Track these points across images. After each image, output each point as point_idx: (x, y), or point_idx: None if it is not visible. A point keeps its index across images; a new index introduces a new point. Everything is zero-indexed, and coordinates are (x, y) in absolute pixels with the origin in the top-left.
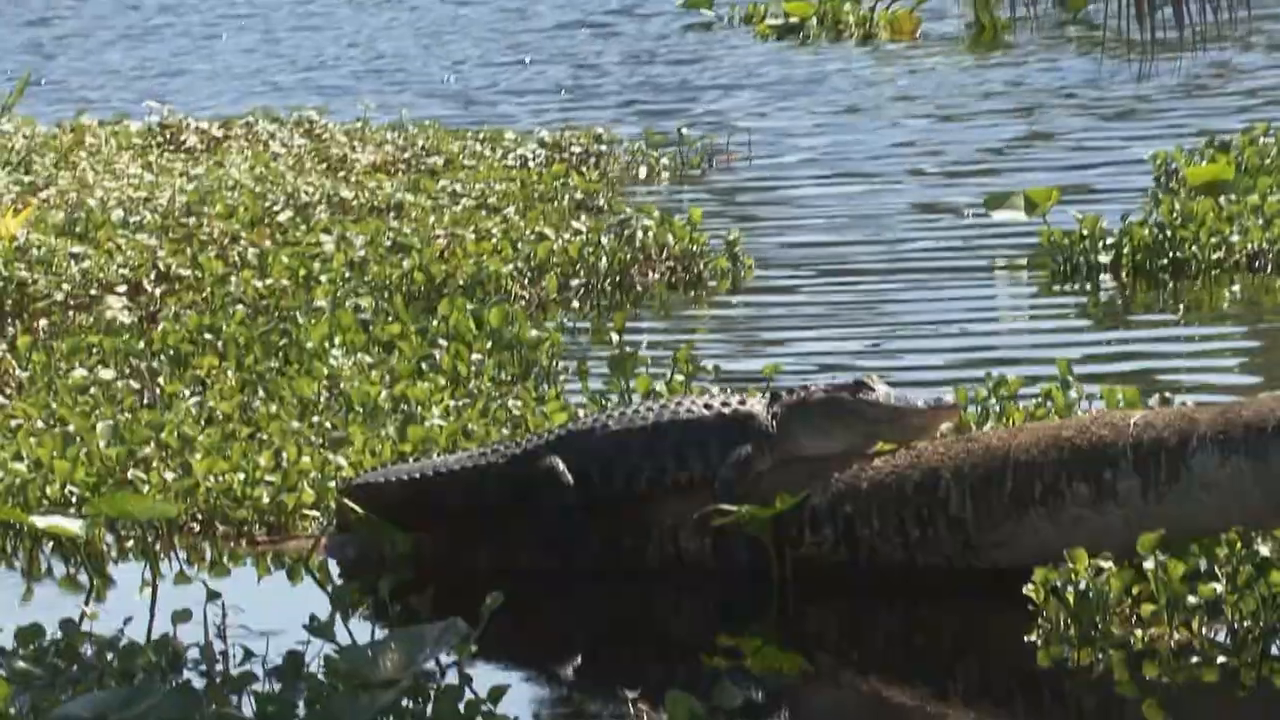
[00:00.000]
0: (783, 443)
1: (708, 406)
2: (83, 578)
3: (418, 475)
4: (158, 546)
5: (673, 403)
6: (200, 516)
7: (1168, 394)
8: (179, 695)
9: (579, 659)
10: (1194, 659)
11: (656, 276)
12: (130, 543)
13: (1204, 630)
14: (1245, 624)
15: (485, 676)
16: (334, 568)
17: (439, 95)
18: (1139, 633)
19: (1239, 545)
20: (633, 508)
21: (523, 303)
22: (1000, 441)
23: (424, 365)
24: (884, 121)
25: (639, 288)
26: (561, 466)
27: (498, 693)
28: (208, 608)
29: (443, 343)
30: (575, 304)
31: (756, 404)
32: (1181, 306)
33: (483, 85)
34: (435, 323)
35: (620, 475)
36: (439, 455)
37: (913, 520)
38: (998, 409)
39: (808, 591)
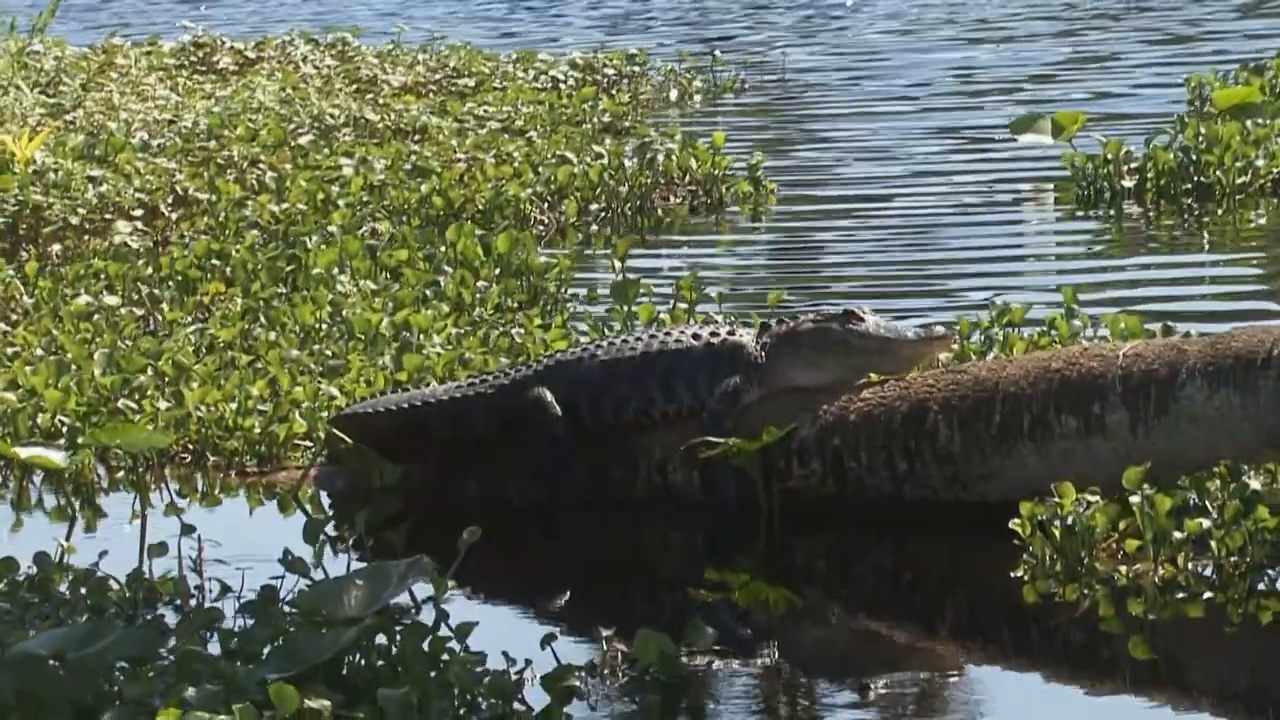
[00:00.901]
0: (771, 374)
1: (695, 337)
2: (76, 508)
3: (405, 405)
4: (148, 477)
5: (661, 333)
6: (191, 447)
7: (1169, 324)
8: (139, 633)
9: (564, 593)
10: (1180, 594)
11: (678, 201)
12: (121, 474)
13: (1190, 565)
14: (1232, 559)
15: (466, 610)
16: (325, 499)
17: (489, 18)
18: (1124, 568)
19: (1228, 480)
20: (621, 439)
21: (541, 227)
22: (989, 373)
23: (428, 293)
24: (930, 44)
25: (660, 212)
26: (549, 397)
27: (465, 629)
28: (185, 541)
29: (448, 269)
30: (594, 228)
31: (745, 335)
32: (1205, 233)
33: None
34: (443, 249)
35: (608, 406)
36: (430, 385)
37: (900, 453)
38: (1001, 338)
39: (795, 524)
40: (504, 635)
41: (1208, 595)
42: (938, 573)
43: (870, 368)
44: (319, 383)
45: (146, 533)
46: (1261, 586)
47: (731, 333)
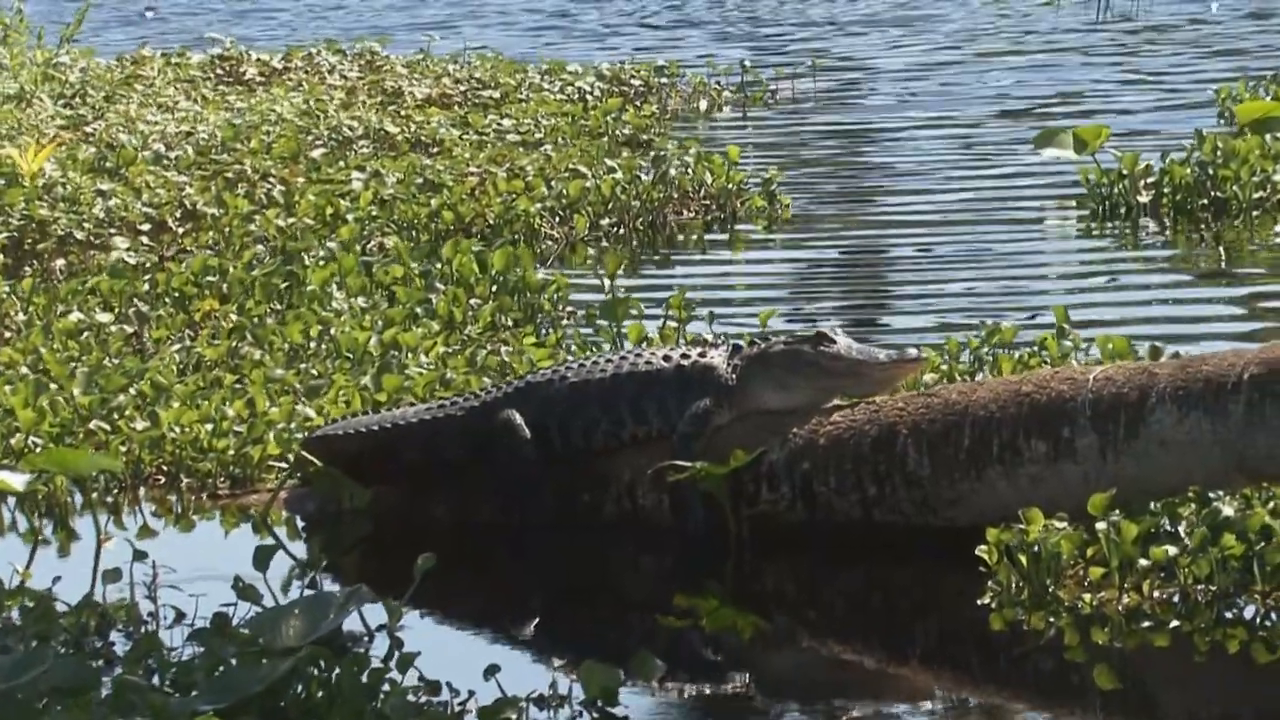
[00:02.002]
0: (743, 397)
1: (666, 358)
2: (48, 531)
3: (375, 428)
4: (122, 499)
5: (632, 354)
6: (165, 468)
7: (1158, 345)
8: (73, 662)
9: (529, 618)
10: (1146, 623)
11: (691, 216)
12: (94, 495)
13: (1156, 593)
14: (1198, 587)
15: (426, 637)
16: (297, 522)
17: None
18: (1087, 597)
19: (1197, 506)
20: (590, 462)
21: (550, 243)
22: (959, 396)
23: (419, 310)
24: (977, 61)
25: (673, 227)
26: (518, 420)
27: (406, 660)
28: (141, 566)
29: (440, 286)
30: (605, 244)
31: (717, 356)
32: (1220, 249)
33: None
34: (439, 266)
35: (577, 429)
36: (401, 407)
37: (870, 477)
38: (991, 358)
39: (765, 548)
40: (463, 662)
41: (1174, 624)
42: (906, 599)
43: (842, 390)
44: (299, 403)
45: (101, 558)
46: (1229, 615)
47: (703, 354)
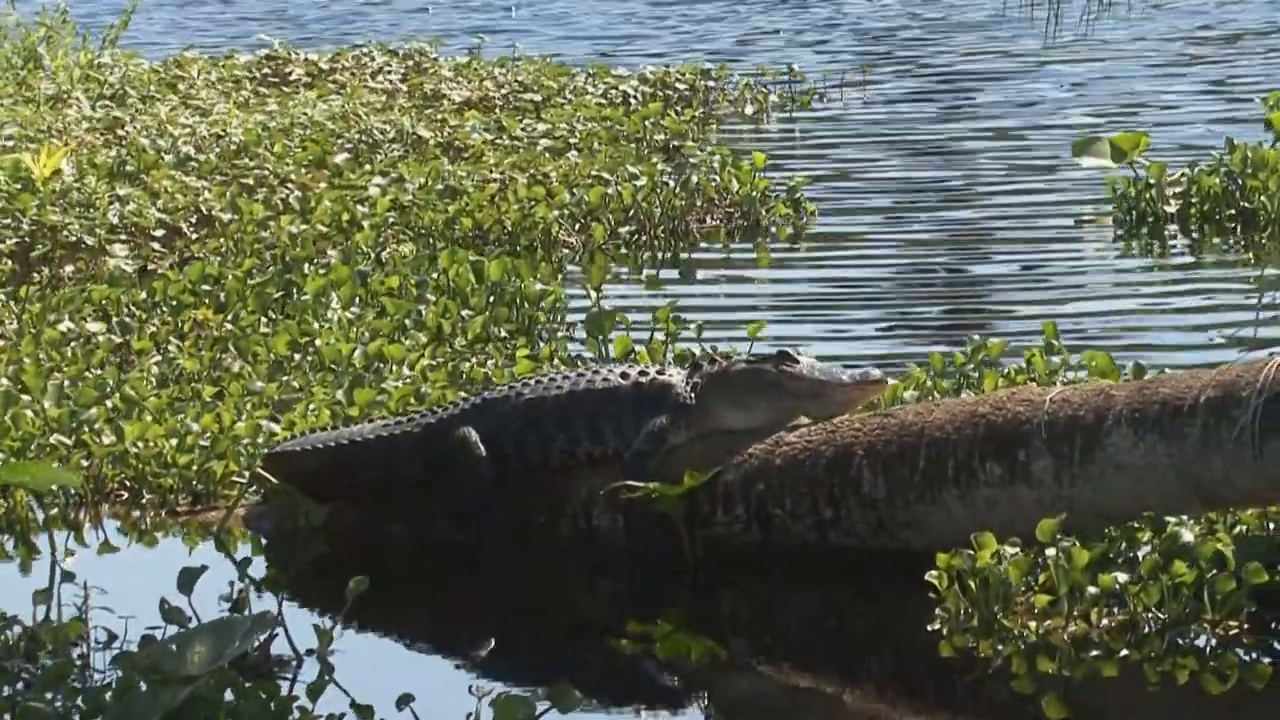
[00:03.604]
0: (702, 416)
1: (624, 376)
2: (9, 547)
3: (332, 444)
4: (84, 515)
5: (590, 371)
6: (128, 484)
7: (1141, 363)
8: None
9: (477, 641)
10: (1094, 652)
11: (715, 223)
12: (55, 511)
13: (1106, 621)
14: (1148, 615)
15: (368, 657)
16: (249, 540)
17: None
18: (1033, 624)
19: (1154, 532)
20: (546, 481)
21: (567, 250)
22: (916, 418)
23: (408, 322)
24: (1039, 69)
25: (695, 235)
26: (474, 437)
27: (317, 688)
28: (66, 588)
29: (431, 298)
30: (624, 252)
31: (675, 374)
32: (1247, 259)
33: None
34: (435, 275)
35: (533, 447)
36: (359, 424)
37: (825, 499)
38: (977, 376)
39: (722, 570)
40: (399, 686)
41: (1124, 653)
42: (859, 624)
43: (803, 411)
44: (271, 417)
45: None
46: (1180, 643)
47: (661, 372)
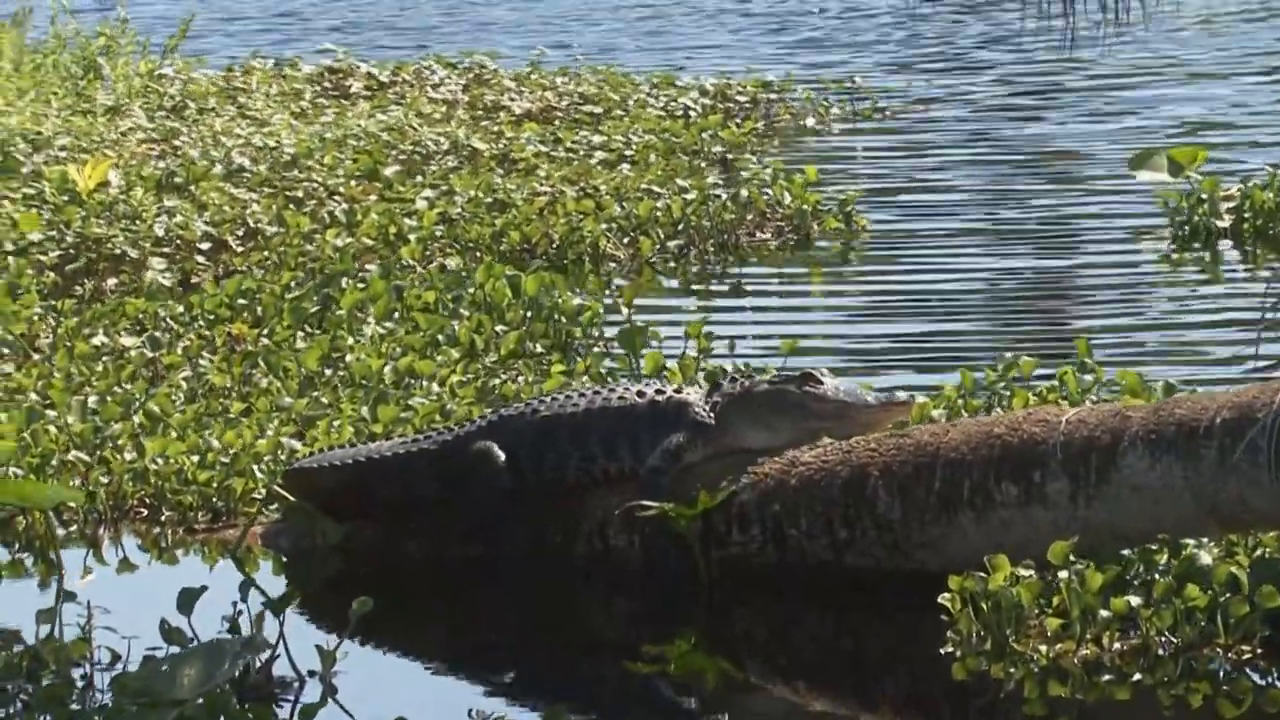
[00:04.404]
0: (722, 435)
1: (640, 394)
2: (29, 563)
3: (350, 461)
4: (103, 533)
5: (606, 389)
6: (148, 501)
7: (1172, 381)
8: None
9: (489, 663)
10: (1107, 676)
11: (765, 237)
12: (74, 528)
13: (1118, 645)
14: (1160, 639)
15: (375, 678)
16: (269, 558)
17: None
18: (1044, 648)
19: (1166, 554)
20: (563, 500)
21: (614, 264)
22: (932, 438)
23: (440, 337)
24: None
25: (745, 249)
26: (495, 449)
27: (311, 711)
28: (69, 607)
29: (464, 313)
30: (672, 265)
31: (693, 393)
32: None
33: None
34: (472, 290)
35: (549, 464)
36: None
37: (840, 520)
38: (1008, 394)
39: (738, 590)
40: (404, 708)
41: (1136, 677)
42: (873, 646)
43: (826, 432)
44: (297, 434)
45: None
46: (1194, 667)
47: (679, 390)
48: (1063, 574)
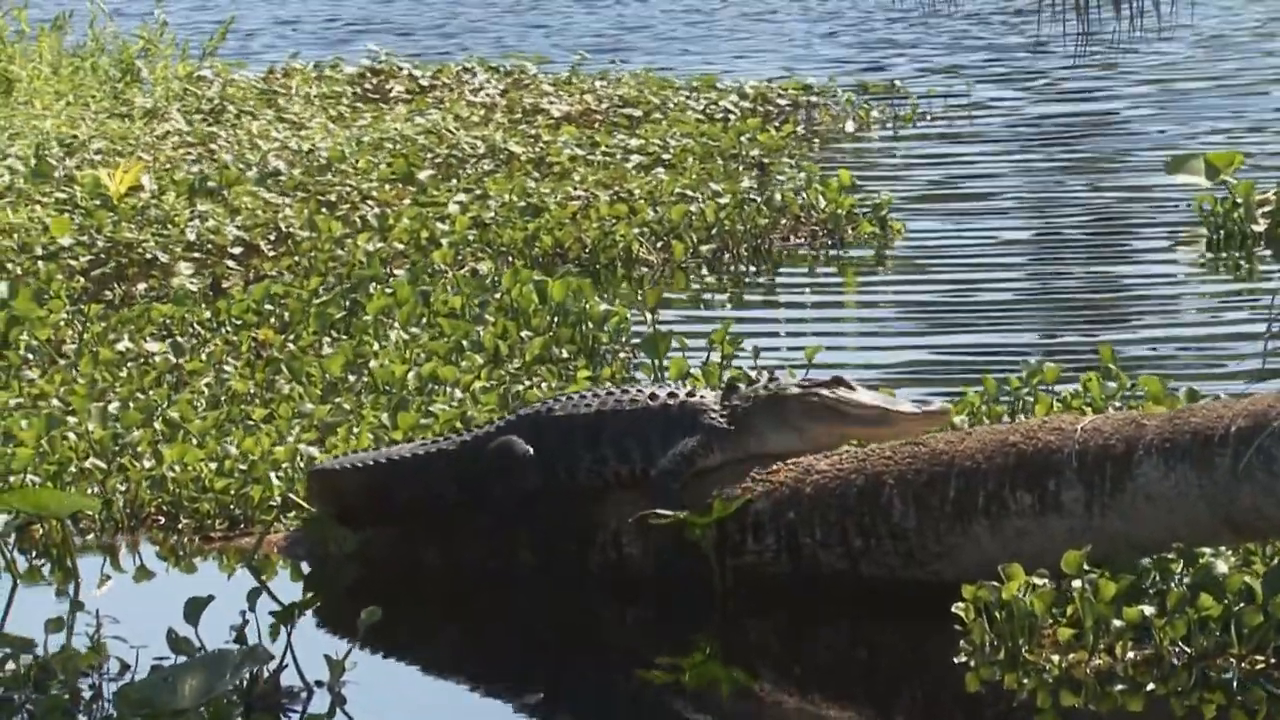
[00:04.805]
0: (744, 439)
1: (653, 396)
2: (48, 570)
3: (370, 463)
4: (120, 540)
5: (619, 390)
6: (166, 508)
7: (1193, 388)
8: None
9: (503, 672)
10: (1120, 686)
11: (799, 242)
12: (91, 535)
13: (1131, 655)
14: (1174, 649)
15: (382, 691)
16: (288, 566)
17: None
18: (1056, 658)
19: (1186, 563)
20: (580, 509)
21: (646, 269)
22: (947, 446)
23: (465, 343)
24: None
25: (779, 253)
26: (519, 444)
27: None
28: (81, 616)
29: (489, 318)
30: (705, 271)
31: (709, 396)
32: None
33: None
34: (499, 295)
35: (562, 465)
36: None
37: (855, 529)
38: (1032, 400)
39: (753, 599)
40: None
41: (1150, 687)
42: (888, 655)
43: (861, 438)
44: (319, 439)
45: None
46: (1208, 677)
47: (692, 393)
48: (1076, 583)
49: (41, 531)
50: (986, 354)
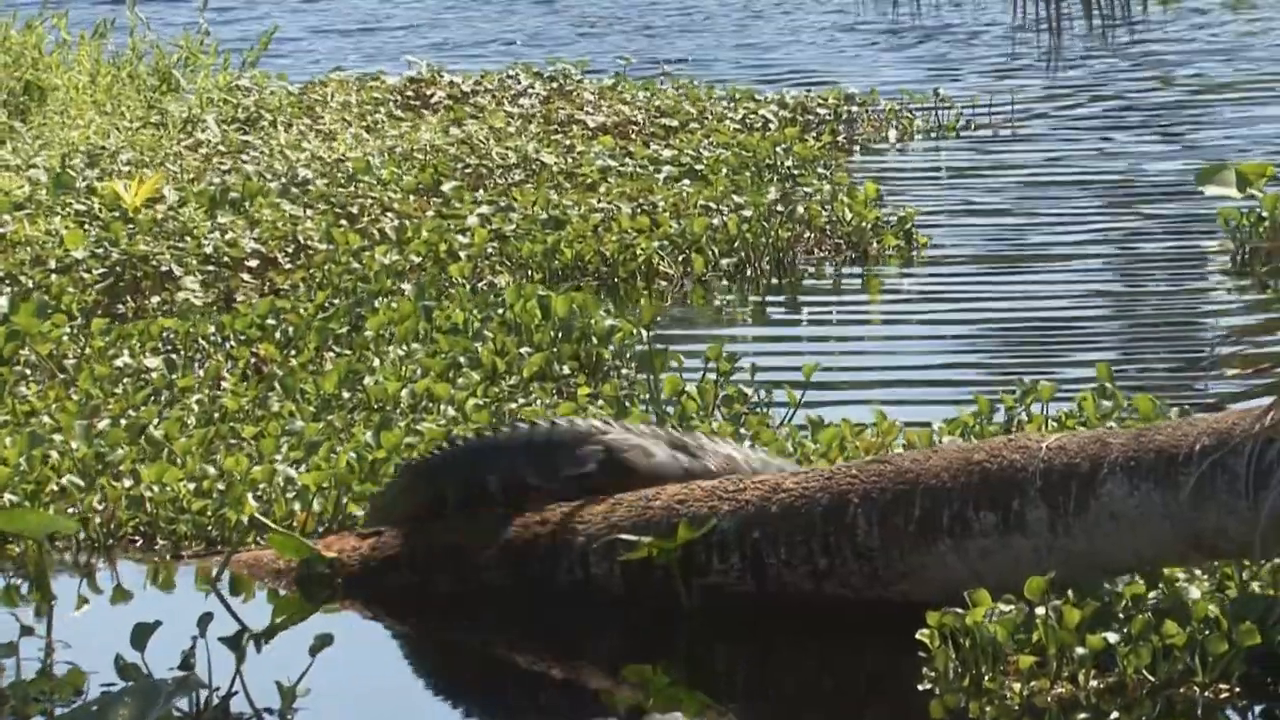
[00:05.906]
0: None
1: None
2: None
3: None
4: (96, 561)
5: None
6: (143, 529)
7: (1187, 406)
8: None
9: (467, 691)
10: (1082, 715)
11: (823, 255)
12: (68, 556)
13: (1095, 683)
14: (1138, 677)
15: (348, 711)
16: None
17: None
18: (1017, 686)
19: (1156, 587)
20: (549, 530)
21: (664, 283)
22: (913, 464)
23: (463, 360)
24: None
25: (801, 267)
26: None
27: None
28: (43, 641)
29: (488, 334)
30: (726, 284)
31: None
32: None
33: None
34: (501, 311)
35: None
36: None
37: (820, 549)
38: (1026, 420)
39: (720, 619)
40: None
41: (1114, 715)
42: (853, 678)
43: None
44: (275, 463)
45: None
46: (1172, 705)
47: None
48: (1040, 610)
49: (18, 551)
50: (1009, 372)
